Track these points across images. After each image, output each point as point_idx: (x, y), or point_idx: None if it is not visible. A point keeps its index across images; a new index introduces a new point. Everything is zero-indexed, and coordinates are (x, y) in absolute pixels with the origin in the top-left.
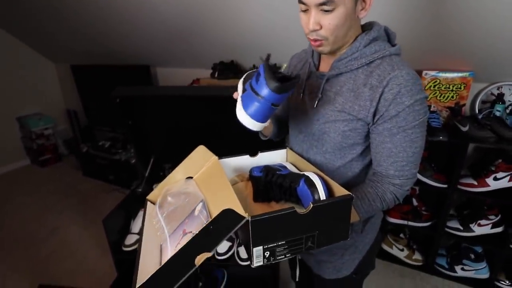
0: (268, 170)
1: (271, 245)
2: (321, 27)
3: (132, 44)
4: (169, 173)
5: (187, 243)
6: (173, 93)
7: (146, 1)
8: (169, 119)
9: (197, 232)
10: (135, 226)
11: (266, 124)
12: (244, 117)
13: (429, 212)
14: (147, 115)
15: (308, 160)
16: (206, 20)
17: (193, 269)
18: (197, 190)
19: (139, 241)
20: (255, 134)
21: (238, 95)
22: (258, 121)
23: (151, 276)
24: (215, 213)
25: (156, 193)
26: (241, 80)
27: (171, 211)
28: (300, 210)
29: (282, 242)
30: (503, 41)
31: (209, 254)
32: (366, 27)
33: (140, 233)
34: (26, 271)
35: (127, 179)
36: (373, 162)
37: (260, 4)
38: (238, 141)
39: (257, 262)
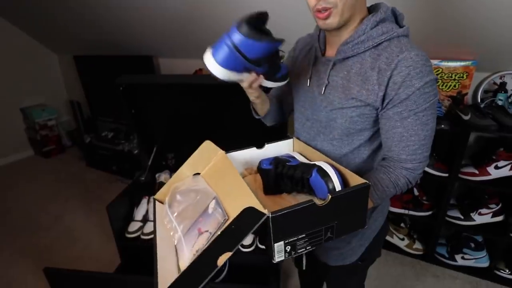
0: (277, 162)
1: (291, 239)
2: None
3: (135, 34)
4: (172, 162)
5: (210, 245)
6: (176, 82)
7: None
8: (172, 108)
9: (214, 231)
10: (138, 214)
11: (234, 76)
12: (207, 57)
13: (430, 202)
14: (150, 104)
15: (315, 147)
16: (210, 8)
17: (216, 270)
18: (207, 187)
19: (154, 243)
20: (259, 122)
21: None
22: (221, 65)
23: (175, 281)
24: (230, 209)
25: (164, 192)
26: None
27: (182, 209)
28: (319, 202)
29: (303, 235)
30: (507, 29)
31: (230, 254)
32: (373, 10)
33: (154, 234)
34: (31, 257)
35: (130, 169)
36: (384, 147)
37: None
38: (242, 130)
39: (279, 257)
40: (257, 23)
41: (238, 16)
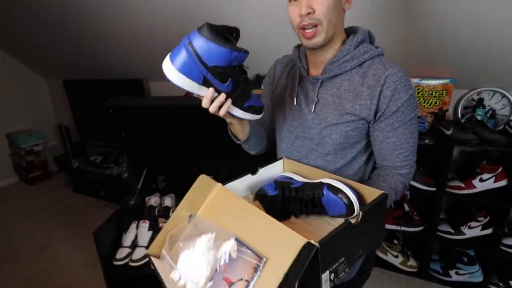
0: (281, 186)
1: (335, 266)
2: (314, 11)
3: (125, 58)
4: (162, 185)
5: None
6: (166, 103)
7: (141, 16)
8: (162, 130)
9: (252, 277)
10: (127, 240)
11: (192, 86)
12: (165, 61)
13: (420, 217)
14: (140, 126)
15: (309, 164)
16: None
17: None
18: (215, 227)
19: None
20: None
21: None
22: (177, 69)
23: None
24: (260, 247)
25: (158, 243)
26: None
27: (192, 261)
28: (353, 220)
29: (343, 259)
30: (482, 49)
31: None
32: (350, 31)
33: None
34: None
35: (118, 194)
36: (378, 158)
37: (253, 14)
38: (232, 151)
39: None
40: (222, 31)
41: None
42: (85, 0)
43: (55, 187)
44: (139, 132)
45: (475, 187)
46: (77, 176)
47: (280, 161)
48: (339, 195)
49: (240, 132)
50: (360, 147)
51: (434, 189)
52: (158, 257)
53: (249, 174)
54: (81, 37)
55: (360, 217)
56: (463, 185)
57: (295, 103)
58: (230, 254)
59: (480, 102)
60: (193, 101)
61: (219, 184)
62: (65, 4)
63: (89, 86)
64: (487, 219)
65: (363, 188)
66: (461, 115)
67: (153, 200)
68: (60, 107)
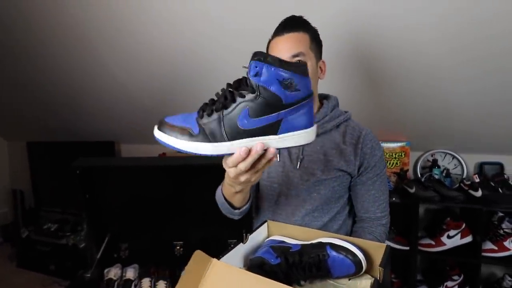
0: (281, 252)
1: None
2: None
3: (96, 120)
4: (125, 254)
5: None
6: (138, 164)
7: (115, 76)
8: (130, 193)
9: None
10: None
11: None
12: (307, 135)
13: (398, 280)
14: (107, 189)
15: (295, 223)
16: (173, 97)
17: None
18: None
19: None
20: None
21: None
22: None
23: None
24: None
25: None
26: (200, 145)
27: None
28: (380, 280)
29: None
30: (432, 116)
31: None
32: (322, 97)
33: None
34: None
35: (71, 268)
36: (360, 210)
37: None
38: (205, 214)
39: None
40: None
41: (199, 99)
42: (58, 59)
43: None
44: (105, 195)
45: (444, 244)
46: (25, 248)
47: (265, 224)
48: (346, 254)
49: (242, 199)
50: (343, 201)
51: (407, 248)
52: None
53: (240, 244)
54: (51, 96)
55: (381, 275)
56: (433, 242)
57: (278, 160)
58: None
59: (435, 163)
60: (165, 161)
61: (214, 260)
62: (35, 63)
63: (55, 148)
64: (462, 277)
65: (364, 243)
66: (420, 174)
67: (113, 272)
68: (18, 171)
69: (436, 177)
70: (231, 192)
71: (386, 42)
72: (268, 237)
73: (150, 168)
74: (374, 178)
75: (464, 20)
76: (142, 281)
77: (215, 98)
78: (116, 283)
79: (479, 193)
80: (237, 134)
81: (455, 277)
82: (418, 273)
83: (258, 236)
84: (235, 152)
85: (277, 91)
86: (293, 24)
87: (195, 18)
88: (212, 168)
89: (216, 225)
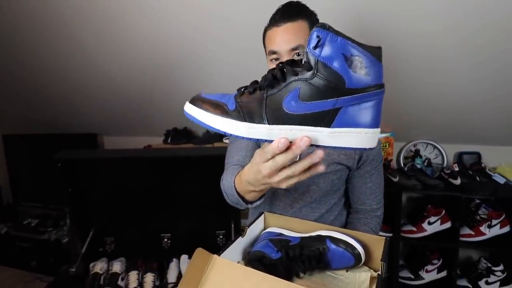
0: (281, 245)
1: None
2: None
3: (78, 112)
4: (110, 248)
5: None
6: (122, 156)
7: (98, 69)
8: (115, 186)
9: None
10: None
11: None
12: (368, 137)
13: None
14: (91, 182)
15: (293, 214)
16: (158, 88)
17: None
18: None
19: None
20: (210, 195)
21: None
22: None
23: None
24: None
25: None
26: (237, 124)
27: None
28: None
29: None
30: (414, 108)
31: None
32: None
33: None
34: None
35: (54, 264)
36: (356, 202)
37: (217, 73)
38: (192, 206)
39: None
40: None
41: (185, 90)
42: (34, 46)
43: None
44: (89, 188)
45: (425, 230)
46: (4, 244)
47: (262, 217)
48: (345, 247)
49: (258, 195)
50: (340, 193)
51: (390, 234)
52: None
53: (239, 238)
54: (28, 86)
55: (383, 268)
56: (415, 229)
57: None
58: None
59: (417, 153)
60: (151, 153)
61: (215, 256)
62: (8, 51)
63: (33, 141)
64: (440, 261)
65: (362, 236)
66: (403, 164)
67: (99, 266)
68: None
69: (418, 166)
70: (247, 190)
71: (373, 33)
72: (264, 229)
73: (135, 160)
74: (371, 171)
75: (447, 18)
76: (129, 274)
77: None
78: (102, 277)
79: (458, 181)
80: (280, 118)
81: (435, 261)
82: (401, 258)
83: (255, 228)
84: (274, 140)
85: (340, 70)
86: (290, 12)
87: (181, 6)
88: (200, 160)
89: (204, 216)
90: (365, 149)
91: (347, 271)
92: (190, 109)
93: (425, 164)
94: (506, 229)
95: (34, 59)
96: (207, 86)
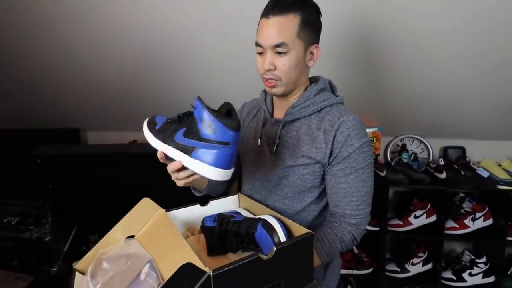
0: (221, 218)
1: None
2: (275, 68)
3: (59, 106)
4: (94, 246)
5: None
6: (105, 151)
7: (78, 62)
8: (98, 182)
9: None
10: None
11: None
12: (210, 171)
13: (369, 258)
14: (73, 178)
15: (267, 207)
16: (144, 80)
17: None
18: (141, 250)
19: None
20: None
21: (172, 154)
22: (229, 168)
23: None
24: (168, 273)
25: (87, 260)
26: (151, 135)
27: (108, 279)
28: (263, 256)
29: None
30: (401, 104)
31: None
32: (313, 80)
33: None
34: None
35: (36, 263)
36: (330, 203)
37: (205, 70)
38: (179, 201)
39: None
40: (216, 110)
41: (171, 86)
42: (13, 37)
43: None
44: (72, 185)
45: (411, 223)
46: None
47: (235, 196)
48: (270, 232)
49: (202, 185)
50: (317, 192)
51: (377, 228)
52: (83, 273)
53: (198, 205)
54: (6, 78)
55: (272, 253)
56: (401, 222)
57: (258, 144)
58: (140, 276)
59: (403, 147)
60: (136, 148)
61: (162, 210)
62: None
63: (12, 136)
64: (426, 254)
65: (300, 230)
66: (390, 158)
67: None
68: None
69: (405, 161)
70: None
71: (361, 30)
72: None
73: (120, 156)
74: (346, 171)
75: (439, 17)
76: None
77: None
78: None
79: (443, 175)
80: (170, 141)
81: (420, 254)
82: (387, 251)
83: (226, 205)
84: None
85: (199, 125)
86: (282, 4)
87: None
88: None
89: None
90: (212, 179)
91: (253, 253)
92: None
93: (412, 158)
94: (489, 221)
95: (11, 50)
96: (196, 76)
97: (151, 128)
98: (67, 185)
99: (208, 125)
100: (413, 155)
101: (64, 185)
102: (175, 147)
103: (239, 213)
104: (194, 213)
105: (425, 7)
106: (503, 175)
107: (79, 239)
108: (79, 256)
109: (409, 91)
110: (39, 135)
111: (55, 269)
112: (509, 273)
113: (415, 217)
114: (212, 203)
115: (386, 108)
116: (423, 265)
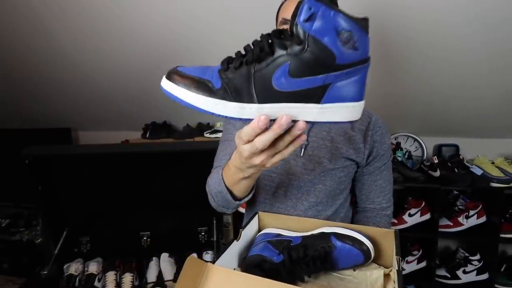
0: (283, 247)
1: None
2: None
3: (48, 104)
4: (86, 248)
5: None
6: (97, 151)
7: (70, 60)
8: (89, 183)
9: None
10: None
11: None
12: (354, 110)
13: None
14: (63, 179)
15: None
16: (138, 79)
17: None
18: None
19: None
20: (191, 190)
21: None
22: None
23: None
24: None
25: None
26: (224, 102)
27: None
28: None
29: None
30: (396, 100)
31: None
32: None
33: None
34: None
35: (28, 265)
36: (364, 201)
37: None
38: (174, 204)
39: None
40: None
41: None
42: (5, 38)
43: None
44: (63, 186)
45: (406, 222)
46: None
47: (256, 217)
48: (352, 243)
49: (248, 187)
50: (346, 193)
51: None
52: None
53: (234, 241)
54: None
55: (398, 262)
56: (396, 221)
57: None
58: None
59: (398, 146)
60: (127, 149)
61: (209, 264)
62: None
63: (2, 136)
64: (420, 252)
65: (369, 230)
66: None
67: (74, 268)
68: None
69: (400, 159)
70: (237, 178)
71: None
72: (260, 230)
73: (112, 156)
74: (382, 168)
75: (433, 13)
76: (106, 275)
77: (243, 52)
78: (77, 278)
79: (437, 173)
80: (270, 96)
81: (415, 252)
82: None
83: (250, 230)
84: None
85: (331, 45)
86: None
87: None
88: (180, 155)
89: (184, 213)
90: (351, 122)
91: (354, 270)
92: (168, 85)
93: (406, 156)
94: (483, 219)
95: (1, 49)
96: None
97: (204, 90)
98: (57, 186)
99: (346, 39)
100: (407, 154)
101: (54, 186)
102: (286, 101)
103: (280, 234)
104: (232, 252)
105: (419, 4)
106: (496, 173)
107: (70, 241)
108: (71, 259)
109: (403, 89)
110: (30, 135)
111: (45, 272)
112: (502, 270)
113: (410, 215)
114: (243, 233)
115: (379, 106)
116: (418, 263)
